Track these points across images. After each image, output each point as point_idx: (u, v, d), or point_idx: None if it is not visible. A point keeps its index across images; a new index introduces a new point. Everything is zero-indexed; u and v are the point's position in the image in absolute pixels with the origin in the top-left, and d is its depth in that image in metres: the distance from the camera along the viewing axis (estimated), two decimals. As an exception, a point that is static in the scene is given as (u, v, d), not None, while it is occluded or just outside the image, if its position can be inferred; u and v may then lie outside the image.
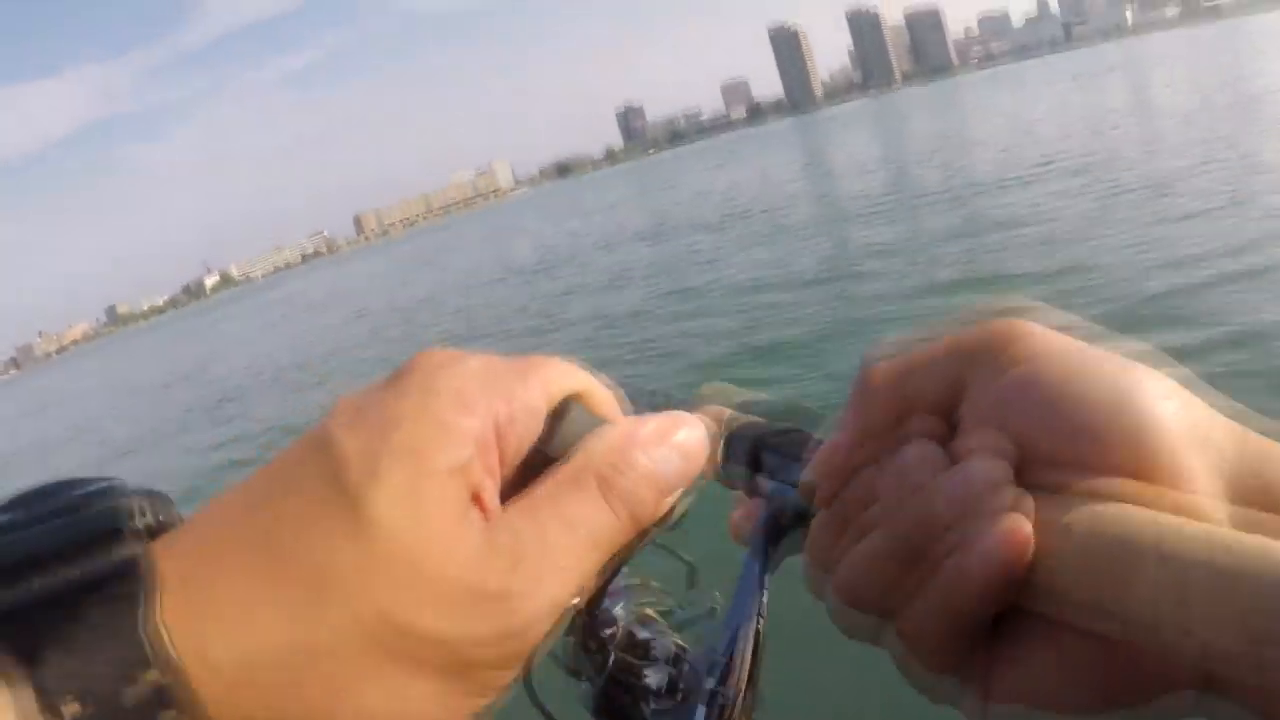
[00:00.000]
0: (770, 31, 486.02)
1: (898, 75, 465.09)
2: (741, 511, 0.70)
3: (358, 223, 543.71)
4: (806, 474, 0.57)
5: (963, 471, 0.48)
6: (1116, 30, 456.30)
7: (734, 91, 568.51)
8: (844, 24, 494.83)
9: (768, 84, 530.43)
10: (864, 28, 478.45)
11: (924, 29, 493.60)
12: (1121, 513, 0.45)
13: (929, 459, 0.51)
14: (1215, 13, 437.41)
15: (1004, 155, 24.56)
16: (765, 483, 0.70)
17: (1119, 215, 12.76)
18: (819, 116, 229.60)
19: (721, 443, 0.75)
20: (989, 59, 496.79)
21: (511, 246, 44.13)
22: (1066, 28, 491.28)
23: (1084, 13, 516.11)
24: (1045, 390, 0.49)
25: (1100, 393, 0.48)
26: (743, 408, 0.78)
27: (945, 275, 12.04)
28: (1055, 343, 0.51)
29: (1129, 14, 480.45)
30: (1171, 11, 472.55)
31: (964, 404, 0.53)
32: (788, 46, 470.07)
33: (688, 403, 0.81)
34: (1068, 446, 0.48)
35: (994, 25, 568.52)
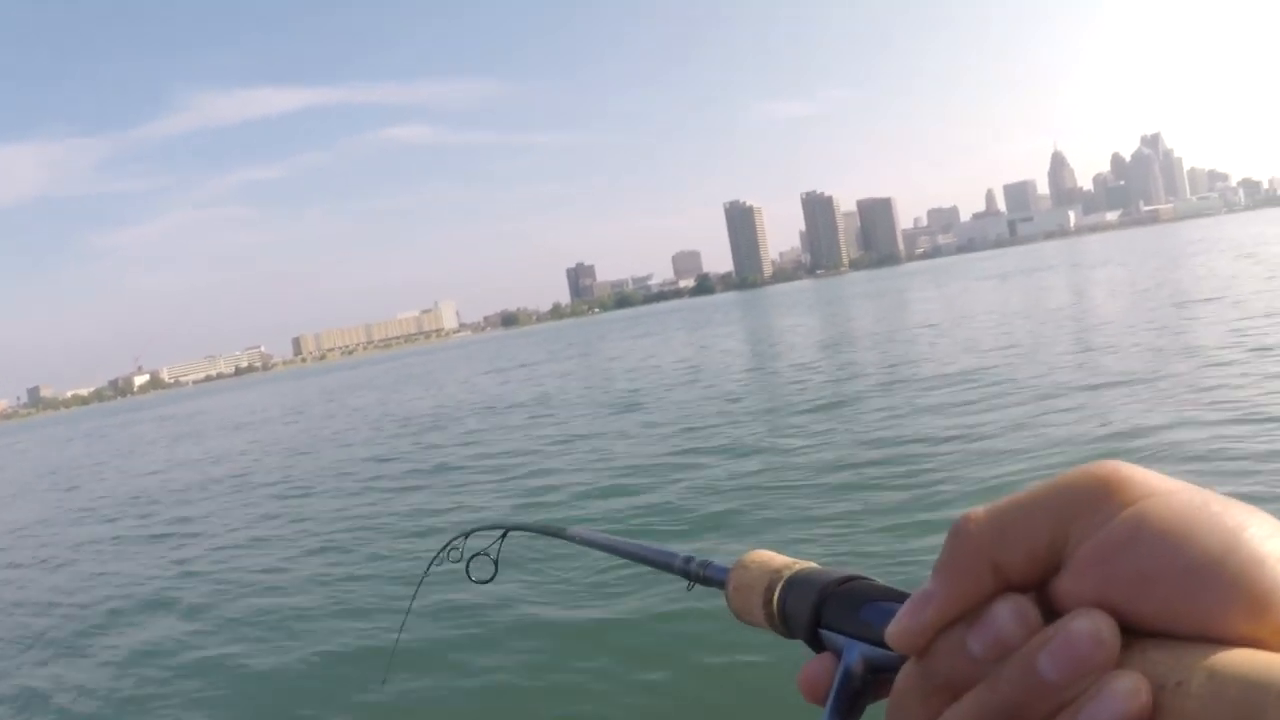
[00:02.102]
0: (726, 206, 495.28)
1: (845, 260, 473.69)
2: (814, 667, 0.68)
3: (296, 344, 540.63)
4: (895, 626, 0.54)
5: (1067, 629, 0.46)
6: (1060, 230, 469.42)
7: (685, 261, 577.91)
8: (798, 206, 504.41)
9: (719, 257, 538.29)
10: (817, 211, 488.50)
11: (874, 217, 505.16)
12: (1243, 659, 0.42)
13: (1027, 616, 0.49)
14: (1154, 217, 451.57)
15: (901, 356, 24.84)
16: (835, 636, 0.68)
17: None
18: (764, 293, 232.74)
19: (778, 592, 0.77)
20: (935, 250, 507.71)
21: (415, 395, 44.08)
22: (1012, 225, 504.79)
23: (1030, 211, 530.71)
24: (1152, 530, 0.47)
25: (1208, 532, 0.46)
26: (794, 578, 0.77)
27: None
28: (1159, 484, 0.50)
29: (1072, 216, 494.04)
30: (1112, 216, 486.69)
31: (1067, 550, 0.50)
32: (742, 222, 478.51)
33: (731, 570, 0.86)
34: (1177, 588, 0.46)
35: (943, 218, 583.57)
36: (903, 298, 66.56)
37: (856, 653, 0.65)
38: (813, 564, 0.80)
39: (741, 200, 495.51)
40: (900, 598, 0.65)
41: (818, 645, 0.71)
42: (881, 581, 0.70)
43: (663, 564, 1.05)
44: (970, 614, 0.51)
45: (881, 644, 0.60)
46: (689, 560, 0.99)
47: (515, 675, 7.14)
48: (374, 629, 8.58)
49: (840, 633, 0.68)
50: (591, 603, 8.29)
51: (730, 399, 21.42)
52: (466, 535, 1.62)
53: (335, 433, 31.00)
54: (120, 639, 9.99)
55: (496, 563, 1.55)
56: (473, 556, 1.57)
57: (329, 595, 10.05)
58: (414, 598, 2.14)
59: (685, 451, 15.34)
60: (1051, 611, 0.49)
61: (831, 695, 0.66)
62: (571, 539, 1.35)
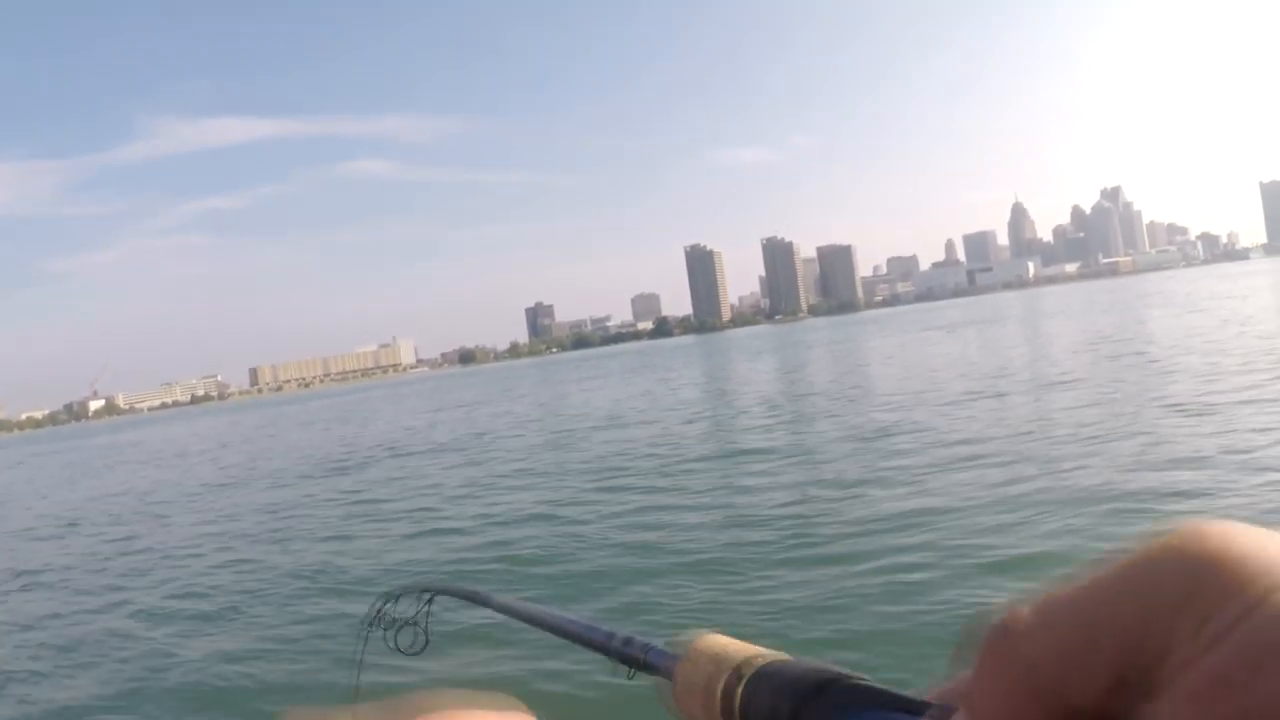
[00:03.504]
0: (686, 250, 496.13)
1: (804, 306, 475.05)
2: None
3: (253, 374, 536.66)
4: None
5: None
6: (1018, 281, 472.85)
7: (644, 303, 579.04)
8: (758, 250, 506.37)
9: (678, 299, 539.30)
10: (777, 256, 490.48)
11: (834, 264, 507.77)
12: None
13: None
14: (1113, 270, 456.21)
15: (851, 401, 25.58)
16: None
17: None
18: (722, 337, 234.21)
19: (740, 694, 0.64)
20: (894, 298, 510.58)
21: (357, 432, 44.04)
22: (971, 275, 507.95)
23: (989, 261, 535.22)
24: None
25: None
26: (759, 675, 0.64)
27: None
28: None
29: (1031, 267, 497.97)
30: (1071, 267, 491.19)
31: (1165, 670, 0.35)
32: (702, 266, 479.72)
33: (681, 660, 0.72)
34: None
35: (902, 266, 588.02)
36: (846, 348, 67.51)
37: None
38: (781, 654, 0.66)
39: (702, 244, 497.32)
40: (903, 705, 0.53)
41: None
42: (871, 681, 0.57)
43: (596, 645, 0.93)
44: None
45: None
46: (628, 642, 0.87)
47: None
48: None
49: None
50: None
51: (653, 448, 20.97)
52: (395, 599, 1.51)
53: (248, 471, 30.29)
54: None
55: (427, 632, 1.45)
56: (401, 625, 1.46)
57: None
58: (357, 680, 1.86)
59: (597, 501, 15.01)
60: None
61: None
62: (496, 609, 1.24)
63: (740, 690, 0.63)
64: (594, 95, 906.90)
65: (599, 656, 0.92)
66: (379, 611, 1.53)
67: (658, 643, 0.82)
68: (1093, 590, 0.37)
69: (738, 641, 0.69)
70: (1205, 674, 0.33)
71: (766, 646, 0.67)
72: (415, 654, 1.43)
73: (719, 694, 0.65)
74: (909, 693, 0.53)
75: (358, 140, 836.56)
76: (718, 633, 0.72)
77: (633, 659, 0.85)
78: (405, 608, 1.48)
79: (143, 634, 10.86)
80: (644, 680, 0.84)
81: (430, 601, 1.46)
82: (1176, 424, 14.94)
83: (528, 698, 6.33)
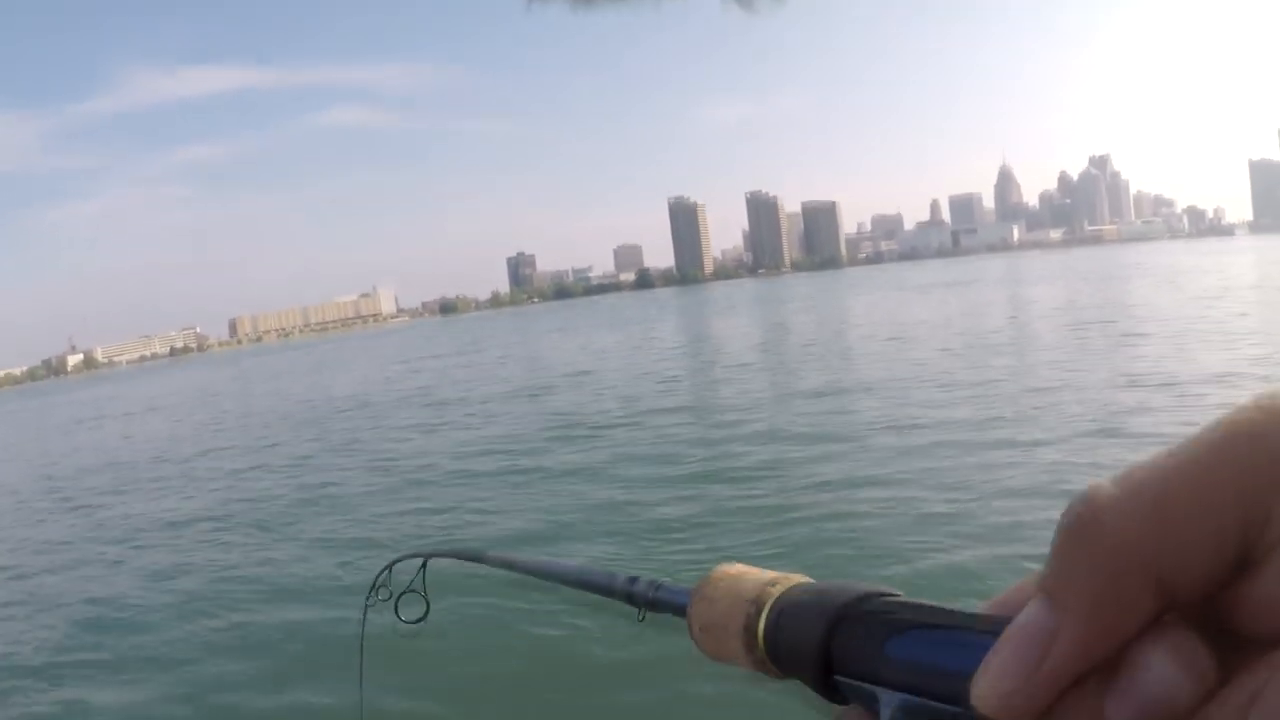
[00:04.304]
0: (670, 202, 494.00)
1: (787, 261, 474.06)
2: None
3: (232, 325, 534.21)
4: (988, 680, 0.34)
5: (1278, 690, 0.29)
6: (1002, 245, 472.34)
7: (626, 255, 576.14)
8: (743, 205, 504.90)
9: (661, 252, 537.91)
10: (761, 211, 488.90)
11: (818, 220, 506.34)
12: None
13: (1199, 666, 0.31)
14: (1097, 239, 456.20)
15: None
16: (857, 683, 0.49)
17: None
18: (704, 290, 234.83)
19: (764, 620, 0.58)
20: (877, 256, 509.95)
21: (329, 384, 43.76)
22: (955, 236, 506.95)
23: (974, 223, 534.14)
24: None
25: None
26: (785, 600, 0.59)
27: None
28: None
29: (1016, 231, 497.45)
30: (1056, 234, 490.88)
31: (1267, 538, 0.32)
32: (686, 219, 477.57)
33: (696, 593, 0.67)
34: None
35: (887, 225, 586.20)
36: (825, 303, 67.91)
37: (899, 706, 0.46)
38: (805, 578, 0.61)
39: (686, 196, 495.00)
40: (957, 621, 0.45)
41: (833, 694, 0.52)
42: (916, 599, 0.50)
43: (601, 588, 0.87)
44: (1106, 660, 0.33)
45: (934, 693, 0.44)
46: (634, 581, 0.81)
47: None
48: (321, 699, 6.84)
49: (867, 678, 0.48)
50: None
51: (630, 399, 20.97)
52: (389, 568, 1.50)
53: (219, 430, 29.65)
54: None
55: (427, 598, 1.43)
56: (401, 593, 1.44)
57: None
58: (362, 651, 1.81)
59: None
60: (1236, 635, 0.32)
61: None
62: (491, 563, 1.22)
63: (763, 618, 0.58)
64: (580, 45, 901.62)
65: (608, 604, 0.86)
66: (378, 583, 1.51)
67: (668, 581, 0.77)
68: (1184, 460, 0.33)
69: (757, 569, 0.64)
70: None
71: (792, 574, 0.62)
72: (418, 622, 1.41)
73: (740, 625, 0.60)
74: (957, 609, 0.46)
75: (339, 89, 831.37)
76: (737, 563, 0.66)
77: (641, 599, 0.79)
78: (402, 576, 1.46)
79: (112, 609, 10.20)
80: (656, 623, 0.79)
81: (424, 567, 1.44)
82: (1108, 395, 14.90)
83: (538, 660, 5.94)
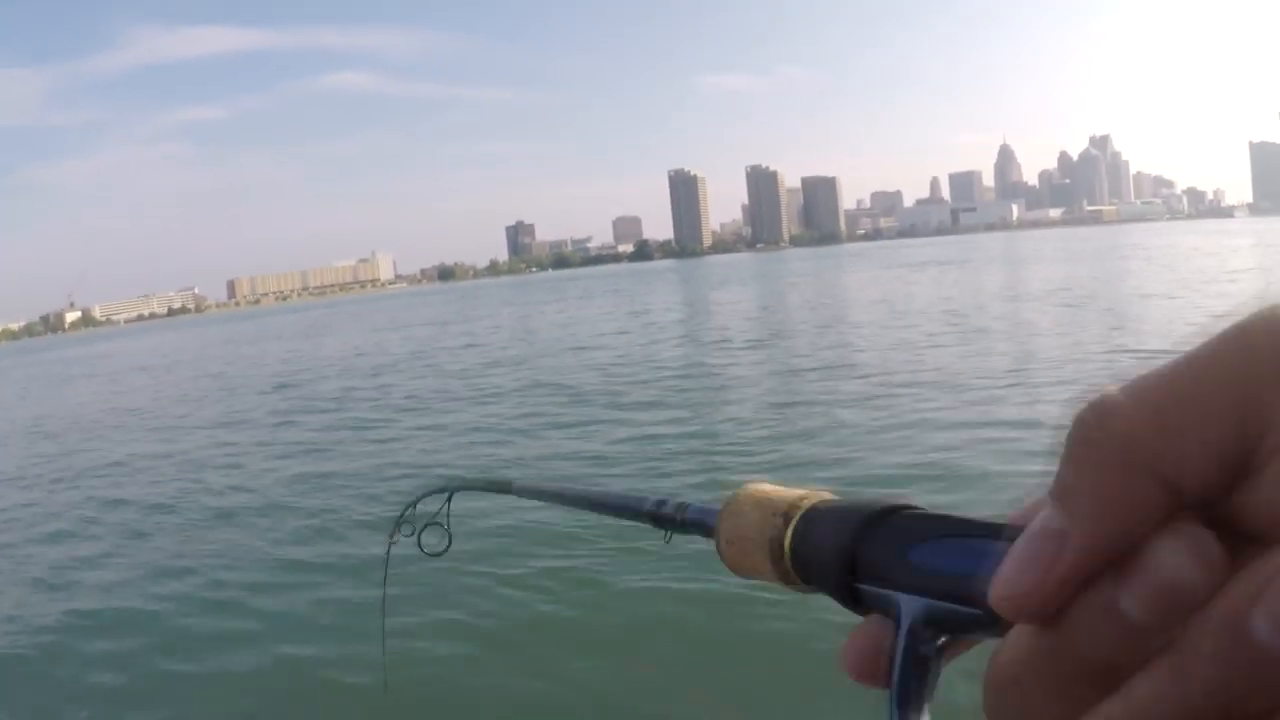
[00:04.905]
0: (670, 174, 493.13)
1: (786, 236, 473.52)
2: (863, 637, 0.50)
3: (231, 286, 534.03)
4: (1006, 580, 0.34)
5: None
6: (1001, 223, 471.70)
7: (625, 226, 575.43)
8: (742, 178, 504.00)
9: (660, 224, 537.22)
10: (761, 184, 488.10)
11: (818, 195, 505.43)
12: None
13: (1210, 554, 0.31)
14: (1096, 218, 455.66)
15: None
16: (881, 592, 0.50)
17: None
18: (703, 263, 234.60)
19: (790, 534, 0.59)
20: (876, 233, 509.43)
21: (314, 347, 44.61)
22: (955, 214, 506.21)
23: (973, 201, 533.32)
24: None
25: None
26: (810, 513, 0.60)
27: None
28: None
29: (1015, 210, 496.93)
30: (1055, 213, 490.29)
31: (1267, 442, 0.32)
32: (685, 191, 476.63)
33: (724, 510, 0.67)
34: None
35: (886, 201, 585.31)
36: (812, 280, 67.99)
37: (921, 611, 0.47)
38: (829, 494, 0.62)
39: (686, 169, 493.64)
40: (977, 530, 0.46)
41: (855, 603, 0.53)
42: (935, 510, 0.51)
43: (628, 510, 0.88)
44: (1119, 557, 0.33)
45: (954, 597, 0.45)
46: (661, 504, 0.82)
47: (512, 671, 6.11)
48: (348, 632, 6.90)
49: (889, 585, 0.49)
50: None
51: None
52: (414, 504, 1.49)
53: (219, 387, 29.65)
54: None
55: (450, 531, 1.43)
56: (424, 526, 1.44)
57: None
58: (385, 584, 1.83)
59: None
60: (1244, 537, 0.32)
61: (896, 674, 0.47)
62: (519, 493, 1.22)
63: (790, 532, 0.59)
64: (583, 13, 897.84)
65: (634, 530, 0.88)
66: (404, 517, 1.49)
67: (695, 501, 0.77)
68: (1188, 366, 0.33)
69: (782, 487, 0.64)
70: None
71: (819, 489, 0.63)
72: (440, 554, 1.41)
73: (767, 536, 0.60)
74: (984, 518, 0.47)
75: (341, 53, 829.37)
76: (760, 481, 0.66)
77: (668, 519, 0.80)
78: (426, 509, 1.45)
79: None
80: (681, 546, 0.81)
81: (450, 499, 1.43)
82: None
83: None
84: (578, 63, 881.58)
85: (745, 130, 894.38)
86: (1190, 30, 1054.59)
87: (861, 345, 21.56)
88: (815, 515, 0.58)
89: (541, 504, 1.18)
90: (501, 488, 1.28)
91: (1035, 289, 36.12)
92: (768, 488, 0.65)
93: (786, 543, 0.58)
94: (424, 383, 22.77)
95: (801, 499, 0.61)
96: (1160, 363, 0.34)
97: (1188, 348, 0.33)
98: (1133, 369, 0.34)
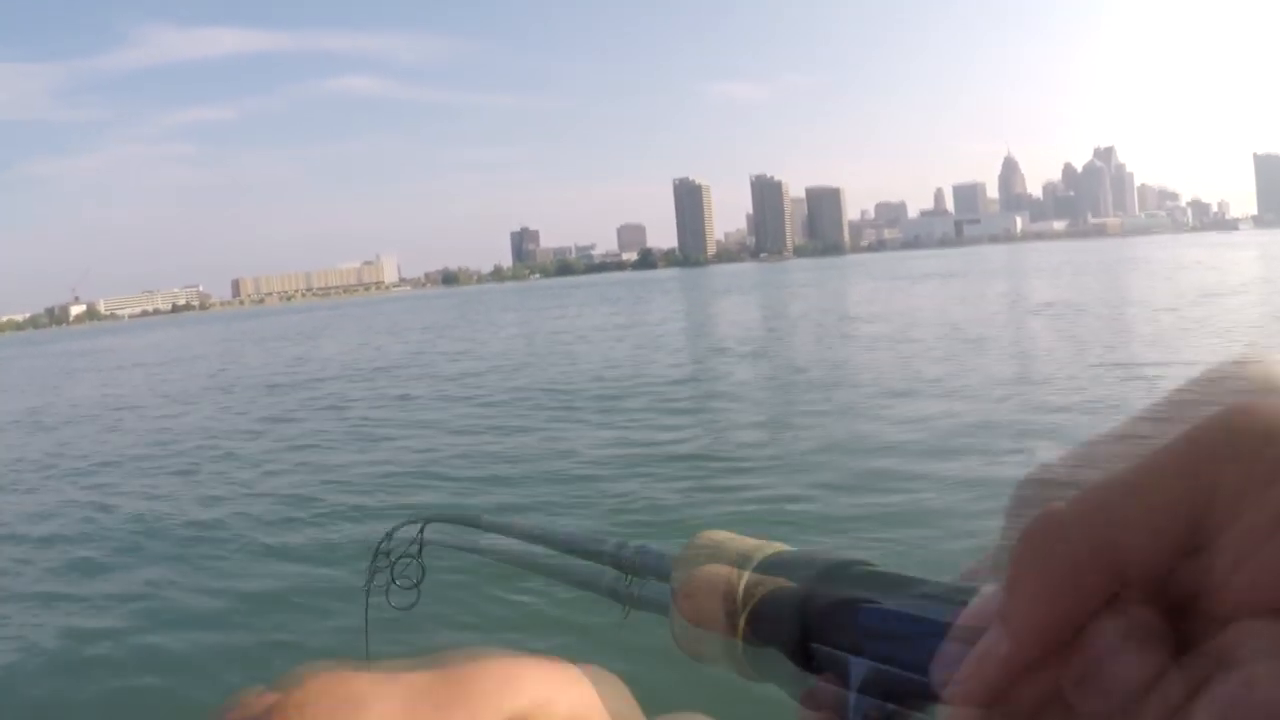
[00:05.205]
0: (675, 183, 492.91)
1: (790, 246, 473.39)
2: (813, 699, 0.50)
3: (235, 285, 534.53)
4: (960, 688, 0.34)
5: (1236, 684, 0.28)
6: (1005, 235, 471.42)
7: (630, 234, 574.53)
8: (747, 187, 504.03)
9: (664, 232, 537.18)
10: (766, 194, 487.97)
11: (822, 205, 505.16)
12: None
13: (1153, 643, 0.31)
14: (1100, 231, 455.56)
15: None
16: (834, 652, 0.50)
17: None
18: (707, 272, 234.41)
19: (743, 586, 0.59)
20: (880, 244, 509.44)
21: (311, 351, 44.24)
22: (958, 225, 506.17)
23: (977, 213, 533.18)
24: None
25: None
26: (765, 567, 0.59)
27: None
28: None
29: (1019, 221, 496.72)
30: (1059, 225, 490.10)
31: (1213, 520, 0.31)
32: (690, 200, 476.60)
33: (679, 559, 0.67)
34: None
35: (890, 212, 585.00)
36: (812, 291, 67.62)
37: (870, 675, 0.47)
38: (784, 546, 0.62)
39: (690, 178, 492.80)
40: (929, 590, 0.47)
41: (807, 662, 0.52)
42: (889, 568, 0.51)
43: (589, 552, 0.91)
44: (1068, 648, 0.32)
45: (904, 663, 0.45)
46: (621, 547, 0.84)
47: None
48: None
49: (839, 645, 0.49)
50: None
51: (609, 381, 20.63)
52: (390, 534, 1.48)
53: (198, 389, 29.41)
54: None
55: (423, 564, 1.43)
56: (398, 559, 1.44)
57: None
58: (366, 622, 1.63)
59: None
60: (1186, 615, 0.32)
61: None
62: (485, 528, 1.23)
63: (743, 584, 0.58)
64: (589, 21, 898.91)
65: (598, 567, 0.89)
66: (379, 550, 1.48)
67: (654, 546, 0.78)
68: (1129, 440, 0.34)
69: (740, 537, 0.64)
70: (1256, 528, 0.30)
71: (773, 541, 0.63)
72: (414, 587, 1.41)
73: (721, 591, 0.60)
74: (933, 579, 0.47)
75: (348, 56, 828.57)
76: (718, 530, 0.66)
77: (628, 564, 0.81)
78: (399, 542, 1.44)
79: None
80: (645, 588, 0.80)
81: (422, 532, 1.43)
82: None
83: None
84: (583, 69, 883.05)
85: (750, 138, 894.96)
86: (1195, 42, 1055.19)
87: (852, 359, 21.41)
88: (769, 569, 0.58)
89: (508, 539, 1.18)
90: (470, 521, 1.28)
91: (1034, 303, 35.85)
92: (722, 536, 0.65)
93: (739, 598, 0.58)
94: (416, 386, 22.62)
95: (755, 550, 0.61)
96: (1104, 449, 0.34)
97: (1140, 453, 0.32)
98: (1084, 449, 0.34)
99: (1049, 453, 0.35)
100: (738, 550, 0.61)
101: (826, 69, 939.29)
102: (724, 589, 0.59)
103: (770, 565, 0.58)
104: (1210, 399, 0.33)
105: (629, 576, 0.83)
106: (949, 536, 8.14)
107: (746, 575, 0.59)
